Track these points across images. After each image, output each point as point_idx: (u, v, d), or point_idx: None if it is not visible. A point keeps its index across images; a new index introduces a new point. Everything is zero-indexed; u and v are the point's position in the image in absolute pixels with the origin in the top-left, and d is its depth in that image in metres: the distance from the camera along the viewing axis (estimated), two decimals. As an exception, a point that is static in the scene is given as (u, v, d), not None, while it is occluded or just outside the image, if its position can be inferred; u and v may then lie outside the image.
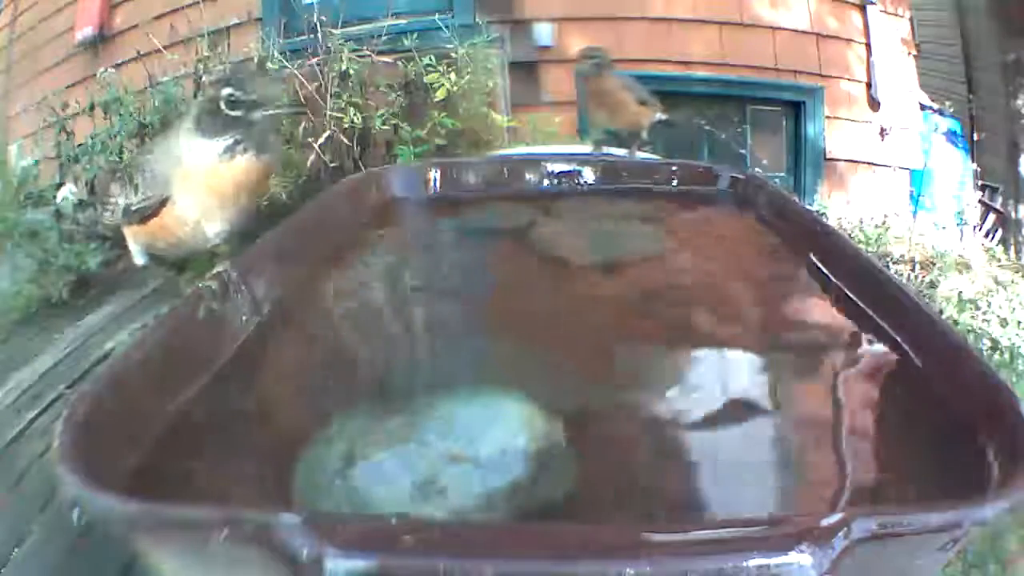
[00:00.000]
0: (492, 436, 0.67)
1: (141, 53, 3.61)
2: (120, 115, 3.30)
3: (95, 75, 3.49)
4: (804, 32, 3.86)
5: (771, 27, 3.82)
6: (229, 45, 3.58)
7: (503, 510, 0.63)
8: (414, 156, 3.05)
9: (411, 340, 1.03)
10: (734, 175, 1.54)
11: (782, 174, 4.01)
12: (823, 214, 3.40)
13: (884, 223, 3.51)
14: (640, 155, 1.96)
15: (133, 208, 0.86)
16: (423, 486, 0.63)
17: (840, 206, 3.73)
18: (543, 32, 3.66)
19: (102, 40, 4.16)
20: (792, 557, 0.47)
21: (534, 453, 0.67)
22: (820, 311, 1.09)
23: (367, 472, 0.65)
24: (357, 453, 0.66)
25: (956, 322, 2.65)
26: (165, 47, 3.46)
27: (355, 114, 3.12)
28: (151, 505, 0.53)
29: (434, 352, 0.98)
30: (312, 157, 3.14)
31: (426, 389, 0.87)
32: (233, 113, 0.81)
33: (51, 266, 3.01)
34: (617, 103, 1.74)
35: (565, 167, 1.58)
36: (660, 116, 1.94)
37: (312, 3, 3.43)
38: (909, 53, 4.10)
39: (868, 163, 3.99)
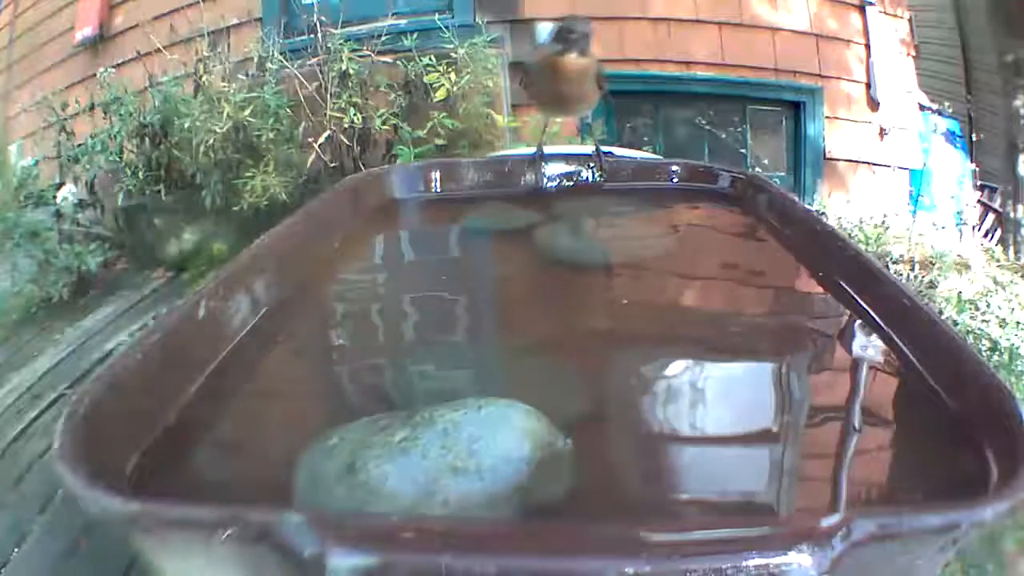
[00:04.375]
0: (494, 444, 0.67)
1: (141, 53, 3.61)
2: (120, 115, 3.30)
3: (95, 75, 3.49)
4: (804, 33, 3.86)
5: (771, 27, 3.83)
6: (229, 45, 3.58)
7: (504, 509, 0.63)
8: (414, 156, 3.05)
9: (411, 343, 1.03)
10: (735, 175, 1.54)
11: (782, 174, 4.01)
12: (823, 214, 3.40)
13: (883, 223, 3.51)
14: (641, 154, 1.96)
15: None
16: (424, 496, 0.63)
17: (840, 206, 3.73)
18: (545, 31, 3.66)
19: (102, 40, 4.17)
20: (792, 557, 0.47)
21: (536, 461, 0.66)
22: (821, 312, 1.10)
23: (368, 482, 0.65)
24: (358, 462, 0.66)
25: (955, 322, 2.65)
26: (165, 47, 3.46)
27: (355, 114, 3.13)
28: (153, 505, 0.53)
29: (434, 355, 0.98)
30: (312, 157, 3.14)
31: (427, 393, 0.87)
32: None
33: (51, 266, 3.01)
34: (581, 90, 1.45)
35: (566, 167, 1.58)
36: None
37: (312, 3, 3.43)
38: (908, 54, 4.11)
39: (868, 163, 3.99)
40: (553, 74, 1.40)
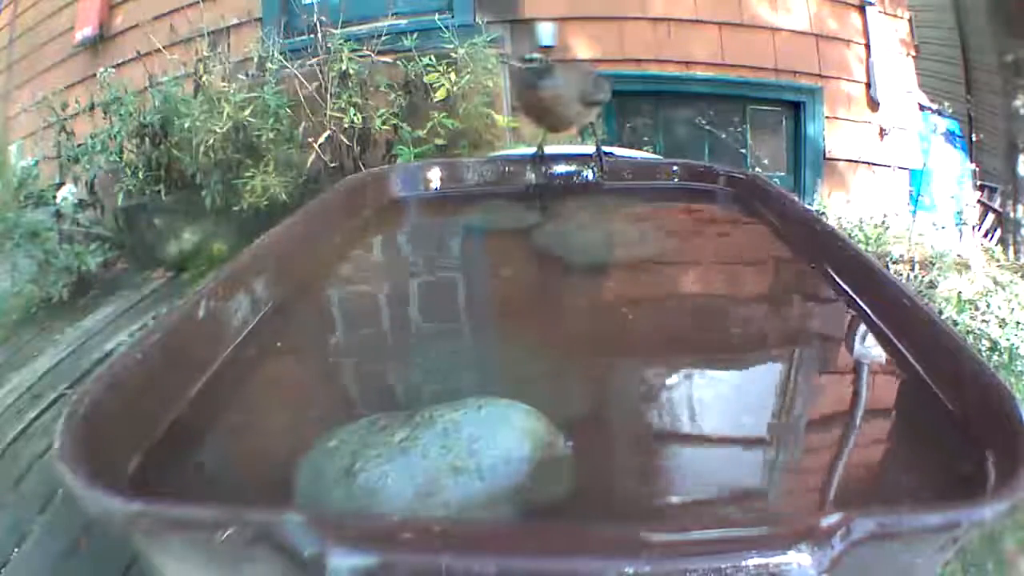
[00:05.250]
0: (494, 444, 0.67)
1: (141, 53, 3.61)
2: (120, 115, 3.30)
3: (95, 75, 3.49)
4: (804, 33, 3.86)
5: (771, 27, 3.83)
6: (229, 45, 3.58)
7: (504, 509, 0.63)
8: (414, 156, 3.05)
9: (411, 343, 1.03)
10: (735, 175, 1.54)
11: (782, 174, 4.01)
12: (823, 214, 3.40)
13: (883, 223, 3.51)
14: (642, 154, 1.96)
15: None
16: (424, 496, 0.63)
17: (840, 206, 3.73)
18: (545, 31, 3.66)
19: (102, 40, 4.16)
20: (791, 557, 0.47)
21: (536, 461, 0.66)
22: (821, 312, 1.10)
23: (368, 483, 0.65)
24: (358, 462, 0.66)
25: (955, 322, 2.65)
26: (165, 47, 3.46)
27: (355, 114, 3.13)
28: (153, 505, 0.53)
29: (435, 355, 0.98)
30: (312, 157, 3.14)
31: (427, 393, 0.87)
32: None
33: (51, 266, 3.01)
34: (558, 115, 1.50)
35: (566, 167, 1.58)
36: (605, 99, 1.61)
37: (312, 3, 3.43)
38: (908, 54, 4.11)
39: (867, 163, 3.99)
40: (527, 108, 1.49)
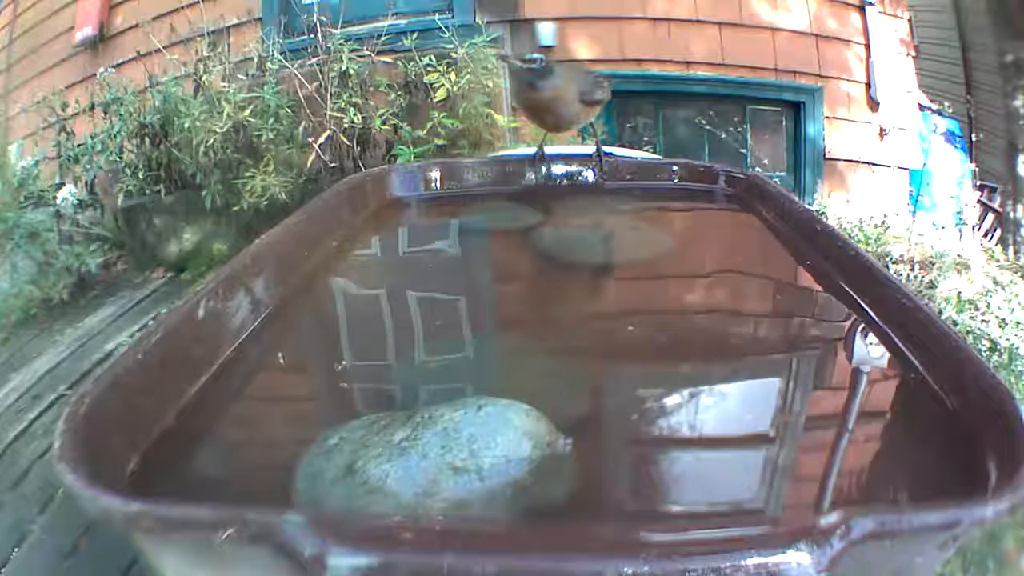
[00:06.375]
0: (494, 444, 0.67)
1: (141, 53, 3.61)
2: (120, 115, 3.30)
3: (95, 75, 3.49)
4: (804, 33, 3.86)
5: (771, 27, 3.83)
6: (229, 45, 3.58)
7: (505, 510, 0.63)
8: (414, 156, 3.05)
9: (411, 343, 1.03)
10: (735, 175, 1.54)
11: (782, 174, 4.01)
12: (823, 214, 3.40)
13: (883, 223, 3.51)
14: (642, 154, 1.95)
15: None
16: (424, 496, 0.63)
17: (839, 206, 3.73)
18: (545, 31, 3.67)
19: (102, 40, 4.17)
20: (790, 556, 0.47)
21: (536, 461, 0.66)
22: (820, 312, 1.10)
23: (368, 482, 0.65)
24: (358, 462, 0.66)
25: (955, 322, 2.65)
26: (165, 47, 3.46)
27: (355, 114, 3.13)
28: (153, 505, 0.53)
29: (435, 357, 0.98)
30: (312, 157, 3.14)
31: (427, 393, 0.87)
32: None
33: (51, 267, 3.01)
34: (558, 115, 1.48)
35: (566, 167, 1.58)
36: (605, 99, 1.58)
37: (312, 3, 3.43)
38: (908, 54, 4.11)
39: (867, 163, 3.99)
40: (527, 108, 1.48)
